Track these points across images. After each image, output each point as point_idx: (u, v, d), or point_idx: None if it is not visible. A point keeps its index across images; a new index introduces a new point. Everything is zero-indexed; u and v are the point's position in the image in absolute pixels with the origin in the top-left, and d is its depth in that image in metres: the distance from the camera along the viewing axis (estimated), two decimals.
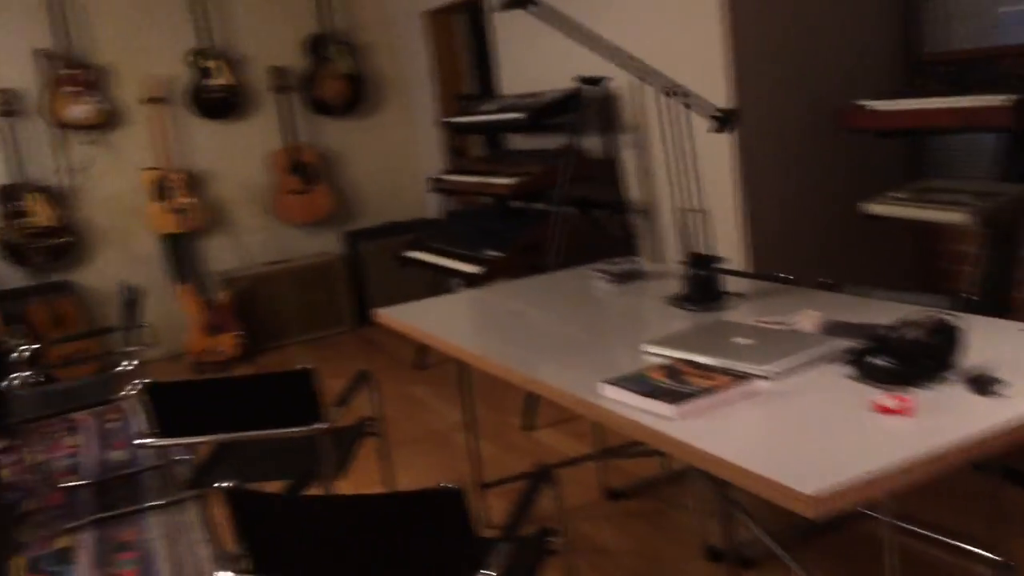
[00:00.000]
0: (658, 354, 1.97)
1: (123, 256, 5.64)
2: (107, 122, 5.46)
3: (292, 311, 5.84)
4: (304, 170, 5.93)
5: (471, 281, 3.91)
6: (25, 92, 5.28)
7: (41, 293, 5.24)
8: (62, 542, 3.26)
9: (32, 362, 3.95)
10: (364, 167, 6.27)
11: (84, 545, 3.22)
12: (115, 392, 3.60)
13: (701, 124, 3.35)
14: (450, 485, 1.41)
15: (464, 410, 4.11)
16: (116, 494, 3.66)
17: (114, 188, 5.57)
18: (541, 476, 1.75)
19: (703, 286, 2.37)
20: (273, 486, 2.49)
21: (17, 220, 5.22)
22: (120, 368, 3.69)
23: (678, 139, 2.51)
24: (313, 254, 6.06)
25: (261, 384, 2.42)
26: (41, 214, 5.29)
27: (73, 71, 5.32)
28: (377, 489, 3.31)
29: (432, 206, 6.06)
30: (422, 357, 5.01)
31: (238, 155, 5.88)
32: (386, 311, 2.74)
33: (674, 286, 2.59)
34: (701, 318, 2.25)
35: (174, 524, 3.30)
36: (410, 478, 3.46)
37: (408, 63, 6.23)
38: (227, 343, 5.47)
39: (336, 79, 6.00)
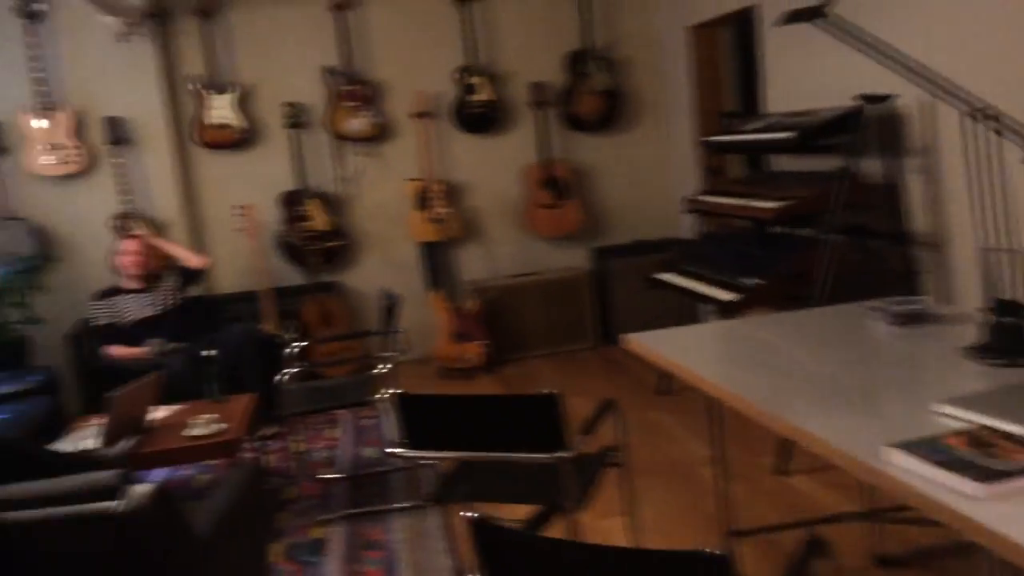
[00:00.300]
0: (957, 417, 1.70)
1: (385, 261, 5.97)
2: (379, 135, 5.81)
3: (537, 324, 5.89)
4: (556, 184, 5.97)
5: (725, 309, 3.70)
6: (312, 106, 5.74)
7: (313, 292, 5.67)
8: (316, 533, 3.45)
9: (301, 357, 4.24)
10: (615, 183, 6.21)
11: (335, 538, 3.39)
12: (371, 394, 3.77)
13: (1013, 151, 2.93)
14: (715, 551, 1.27)
15: (713, 445, 3.90)
16: (367, 491, 3.83)
17: (381, 197, 5.91)
18: (814, 547, 1.55)
19: (1012, 337, 2.04)
20: (516, 508, 2.46)
21: (298, 224, 5.68)
22: (376, 370, 3.86)
23: (982, 167, 2.19)
24: (560, 268, 6.08)
25: (507, 404, 2.39)
26: (318, 219, 5.71)
27: (353, 87, 5.71)
28: (618, 521, 3.20)
29: (684, 226, 5.87)
30: (667, 382, 4.85)
31: (494, 168, 6.03)
32: (635, 337, 2.62)
33: (971, 334, 2.25)
34: (1008, 376, 1.93)
35: (418, 529, 3.39)
36: (653, 512, 3.32)
37: (667, 79, 6.10)
38: (473, 352, 5.61)
39: (593, 95, 5.99)
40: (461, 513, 1.46)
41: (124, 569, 2.20)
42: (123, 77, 5.39)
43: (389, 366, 3.81)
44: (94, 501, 2.10)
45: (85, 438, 3.42)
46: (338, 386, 4.03)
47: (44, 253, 5.26)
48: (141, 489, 2.13)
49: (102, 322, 4.74)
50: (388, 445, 4.29)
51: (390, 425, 4.38)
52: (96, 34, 5.27)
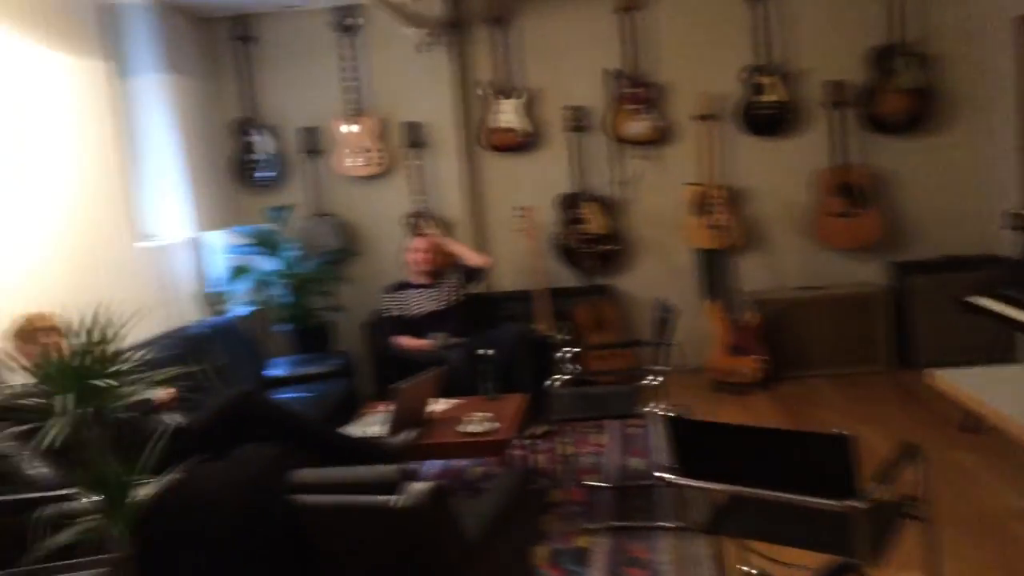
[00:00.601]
0: None
1: (659, 267, 5.86)
2: (660, 138, 5.69)
3: (822, 342, 5.48)
4: (851, 192, 5.51)
5: None
6: (592, 109, 5.75)
7: (586, 295, 5.67)
8: (580, 541, 3.42)
9: (572, 361, 4.25)
10: (922, 191, 5.61)
11: (599, 550, 3.34)
12: (640, 406, 3.68)
13: None
14: None
15: None
16: (631, 504, 3.75)
17: (658, 201, 5.80)
18: None
19: None
20: (793, 552, 2.25)
21: (574, 226, 5.72)
22: (646, 382, 3.76)
23: None
24: (852, 283, 5.62)
25: (791, 440, 2.19)
26: (594, 222, 5.72)
27: (635, 90, 5.64)
28: None
29: (1004, 243, 5.17)
30: (974, 418, 4.28)
31: (781, 173, 5.69)
32: (944, 374, 2.30)
33: None
34: None
35: (684, 553, 3.24)
36: (958, 571, 2.91)
37: (989, 76, 5.40)
38: (748, 366, 5.33)
39: (899, 93, 5.46)
40: (739, 567, 1.32)
41: (398, 560, 2.29)
42: (421, 84, 5.73)
43: (660, 379, 3.69)
44: (376, 493, 2.20)
45: (372, 424, 3.66)
46: (607, 395, 3.98)
47: (347, 247, 5.74)
48: (419, 487, 2.19)
49: (392, 314, 5.07)
50: (655, 458, 4.18)
51: (658, 438, 4.27)
52: (400, 45, 5.65)
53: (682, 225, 5.73)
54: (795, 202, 5.69)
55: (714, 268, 5.78)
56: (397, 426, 3.41)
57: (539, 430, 4.61)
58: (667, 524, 3.46)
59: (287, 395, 4.44)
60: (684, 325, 5.60)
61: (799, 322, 5.48)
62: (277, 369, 4.81)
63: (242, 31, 5.77)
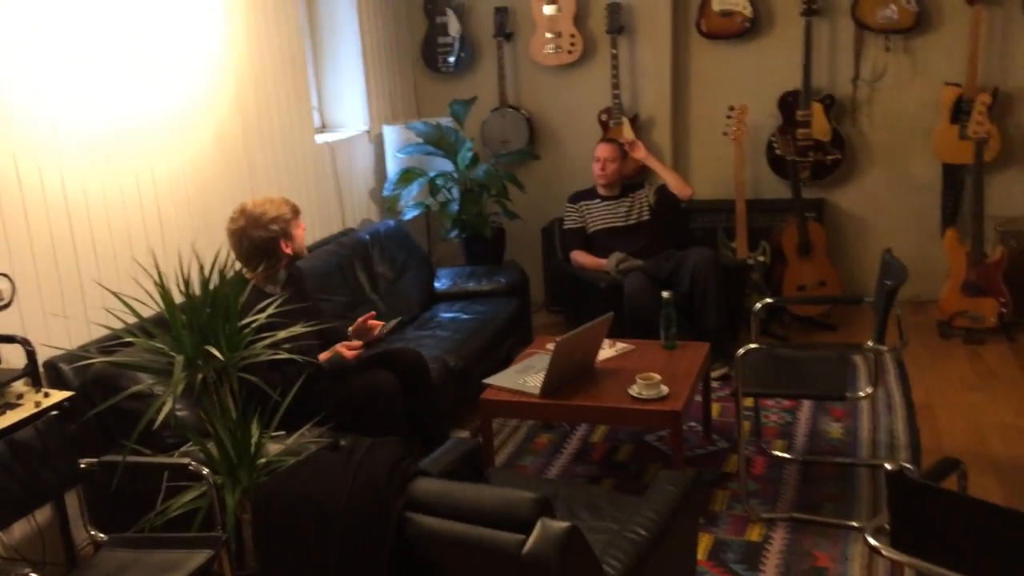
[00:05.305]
0: None
1: (890, 182, 5.00)
2: (913, 25, 4.69)
3: None
4: None
5: None
6: None
7: (792, 211, 4.84)
8: (753, 534, 2.97)
9: (769, 314, 3.64)
10: None
11: (774, 548, 2.88)
12: (846, 388, 3.09)
13: None
14: None
15: None
16: (823, 488, 3.22)
17: (901, 103, 4.87)
18: None
19: None
20: None
21: (794, 131, 4.89)
22: (860, 352, 3.14)
23: None
24: None
25: None
26: (818, 127, 4.88)
27: None
28: None
29: None
30: None
31: None
32: None
33: None
34: None
35: (882, 569, 2.73)
36: None
37: None
38: (986, 309, 4.51)
39: None
40: None
41: None
42: None
43: (883, 349, 3.01)
44: (506, 527, 1.86)
45: (527, 370, 3.29)
46: (811, 372, 3.28)
47: (531, 146, 5.23)
48: (552, 531, 1.83)
49: (572, 226, 4.63)
50: (861, 430, 3.57)
51: (864, 420, 3.59)
52: None
53: (927, 132, 4.79)
54: None
55: (959, 188, 4.85)
56: (552, 385, 3.03)
57: (717, 371, 4.10)
58: (864, 524, 2.92)
59: (450, 315, 4.17)
60: (913, 253, 4.78)
61: None
62: (444, 281, 4.54)
63: None
